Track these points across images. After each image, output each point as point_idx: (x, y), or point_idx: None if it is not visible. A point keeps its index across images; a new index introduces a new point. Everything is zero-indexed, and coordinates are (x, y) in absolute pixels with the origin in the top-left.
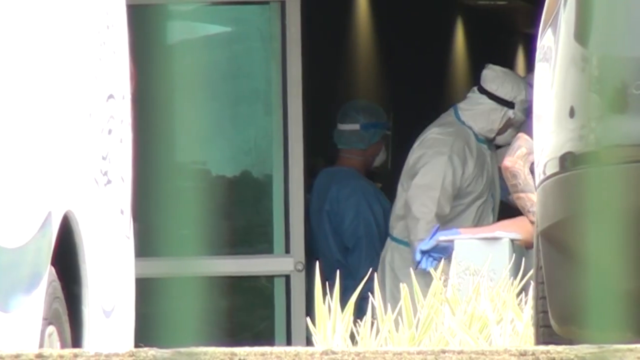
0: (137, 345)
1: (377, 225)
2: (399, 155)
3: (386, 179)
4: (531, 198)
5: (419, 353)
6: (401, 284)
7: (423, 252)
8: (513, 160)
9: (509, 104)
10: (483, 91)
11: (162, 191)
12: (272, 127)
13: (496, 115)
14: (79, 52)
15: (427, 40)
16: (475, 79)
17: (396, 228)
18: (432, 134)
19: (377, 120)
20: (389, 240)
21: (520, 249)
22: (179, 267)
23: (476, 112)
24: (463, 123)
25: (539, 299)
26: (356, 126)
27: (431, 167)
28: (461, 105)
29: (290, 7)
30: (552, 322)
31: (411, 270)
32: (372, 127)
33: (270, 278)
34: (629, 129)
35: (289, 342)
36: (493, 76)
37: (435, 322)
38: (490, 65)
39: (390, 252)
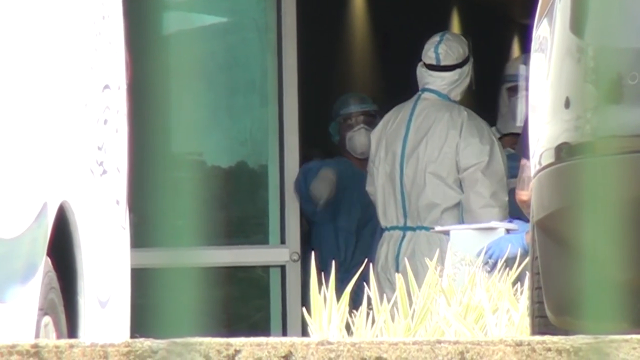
0: (132, 336)
1: None
2: None
3: None
4: None
5: (414, 343)
6: (396, 274)
7: None
8: (528, 194)
9: (468, 59)
10: (447, 68)
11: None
12: (268, 118)
13: (468, 74)
14: (75, 43)
15: (423, 30)
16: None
17: (428, 219)
18: (467, 120)
19: (335, 110)
20: (409, 233)
21: None
22: (175, 258)
23: (459, 84)
24: (455, 102)
25: (535, 289)
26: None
27: (490, 156)
28: (446, 89)
29: None
30: (548, 313)
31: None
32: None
33: (265, 268)
34: (625, 120)
35: (284, 333)
36: (447, 51)
37: (430, 312)
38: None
39: (416, 243)
